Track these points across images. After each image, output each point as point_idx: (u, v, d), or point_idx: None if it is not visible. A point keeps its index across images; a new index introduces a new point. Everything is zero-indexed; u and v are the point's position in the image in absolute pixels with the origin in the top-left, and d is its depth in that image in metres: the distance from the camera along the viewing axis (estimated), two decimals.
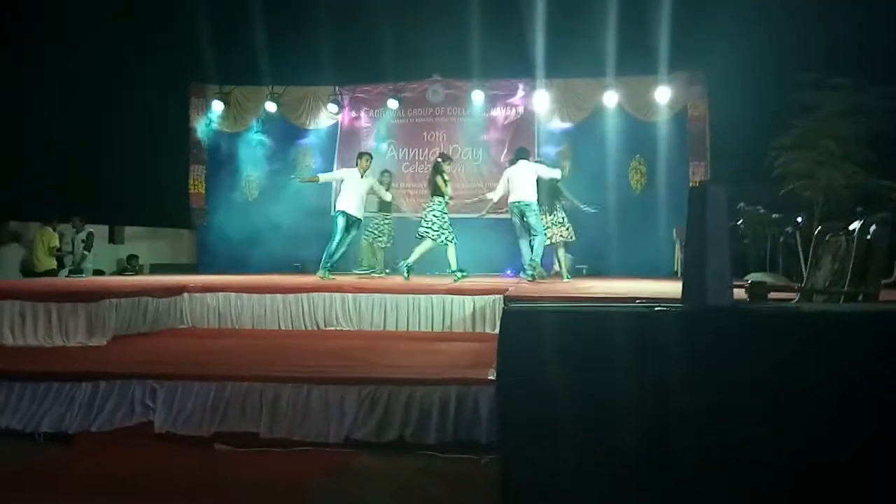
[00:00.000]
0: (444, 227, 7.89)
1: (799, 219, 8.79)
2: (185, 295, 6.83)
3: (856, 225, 3.16)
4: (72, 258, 10.63)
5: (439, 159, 8.25)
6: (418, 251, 8.00)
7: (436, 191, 8.03)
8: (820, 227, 3.64)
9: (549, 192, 8.44)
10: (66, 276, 10.12)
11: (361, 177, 8.58)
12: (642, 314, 2.24)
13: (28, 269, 10.21)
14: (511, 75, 11.60)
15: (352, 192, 8.49)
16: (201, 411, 4.04)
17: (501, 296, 6.12)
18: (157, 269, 11.62)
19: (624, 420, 2.13)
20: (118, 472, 3.47)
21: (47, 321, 5.68)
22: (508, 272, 8.73)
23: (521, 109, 11.81)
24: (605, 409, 2.16)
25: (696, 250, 2.30)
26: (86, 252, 10.68)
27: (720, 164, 10.94)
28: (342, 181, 8.83)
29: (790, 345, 2.09)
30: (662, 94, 10.95)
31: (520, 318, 2.40)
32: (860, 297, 3.05)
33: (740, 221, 8.72)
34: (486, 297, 6.45)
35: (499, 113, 11.91)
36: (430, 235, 7.88)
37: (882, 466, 1.99)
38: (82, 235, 10.69)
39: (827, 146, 9.09)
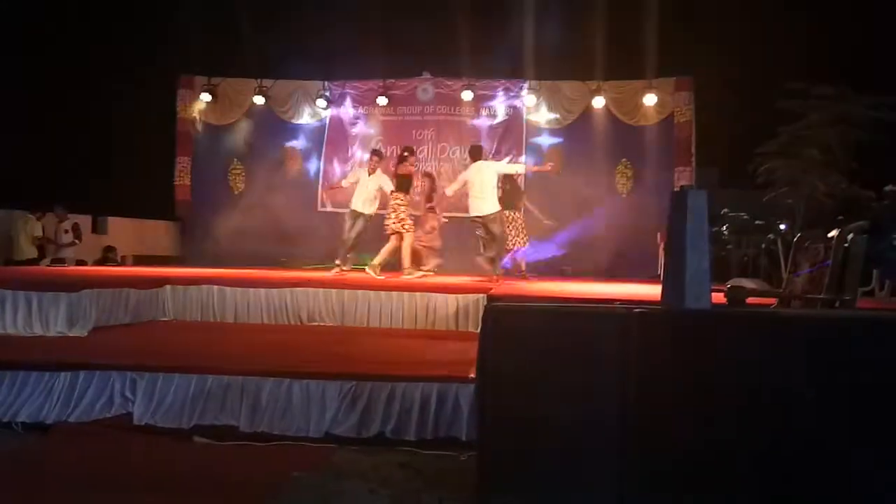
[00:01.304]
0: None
1: (782, 225, 8.88)
2: (168, 287, 6.78)
3: (834, 233, 3.20)
4: (53, 247, 10.53)
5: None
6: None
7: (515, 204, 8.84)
8: (800, 234, 3.68)
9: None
10: (48, 265, 10.03)
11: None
12: (621, 315, 2.27)
13: (8, 257, 10.11)
14: (501, 76, 11.64)
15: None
16: (181, 404, 4.02)
17: (485, 295, 6.14)
18: (141, 260, 11.52)
19: (601, 418, 2.16)
20: (96, 464, 3.45)
21: (27, 310, 5.62)
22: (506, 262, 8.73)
23: (510, 110, 11.85)
24: (583, 408, 2.18)
25: (676, 254, 2.33)
26: (77, 241, 10.59)
27: (705, 169, 11.05)
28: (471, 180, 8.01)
29: (763, 347, 2.13)
30: (650, 99, 11.03)
31: (501, 317, 2.43)
32: (837, 304, 3.08)
33: (724, 227, 8.78)
34: (470, 295, 6.46)
35: (488, 113, 11.92)
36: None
37: (847, 463, 2.03)
38: (66, 225, 10.59)
39: (811, 154, 9.20)
